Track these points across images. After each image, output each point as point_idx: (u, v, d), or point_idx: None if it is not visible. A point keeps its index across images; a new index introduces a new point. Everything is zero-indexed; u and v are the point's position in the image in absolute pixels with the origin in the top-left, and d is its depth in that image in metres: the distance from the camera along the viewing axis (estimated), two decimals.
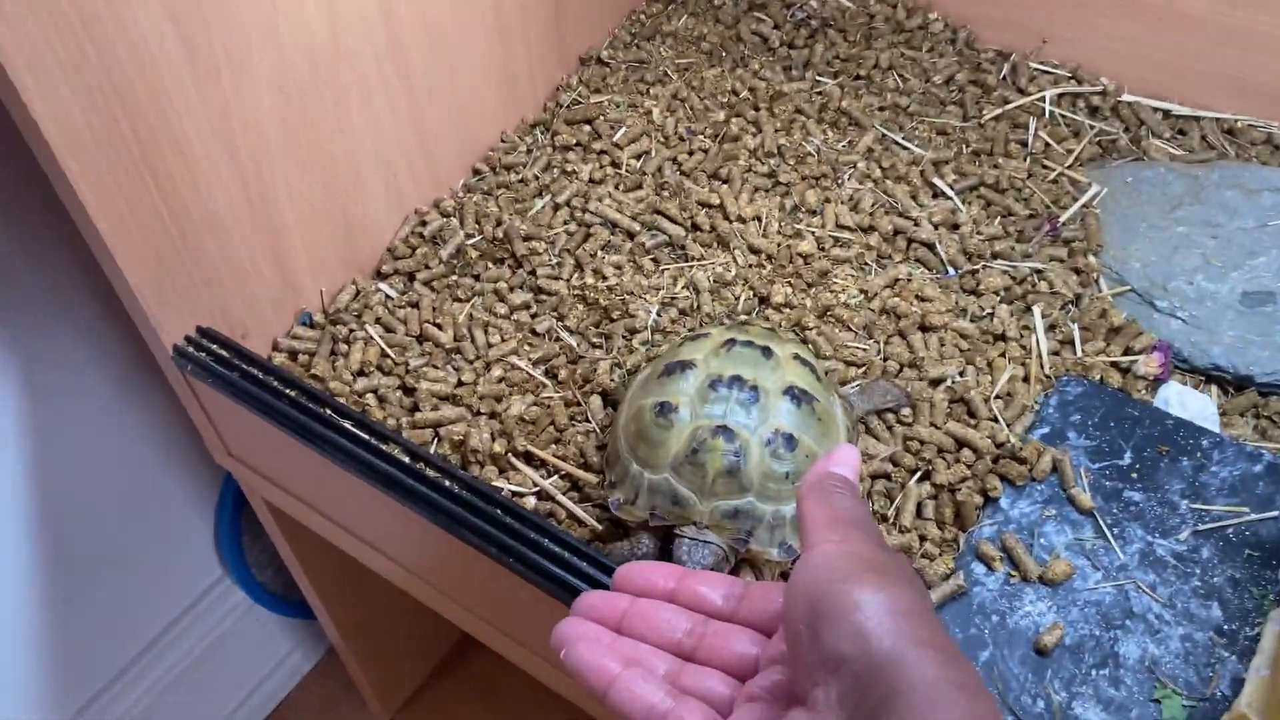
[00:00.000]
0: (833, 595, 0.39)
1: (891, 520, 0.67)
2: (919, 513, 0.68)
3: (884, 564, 0.41)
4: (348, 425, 0.68)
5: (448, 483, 0.64)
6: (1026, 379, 0.74)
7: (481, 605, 0.73)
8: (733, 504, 0.59)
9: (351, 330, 0.81)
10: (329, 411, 0.68)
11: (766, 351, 0.63)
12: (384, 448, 0.66)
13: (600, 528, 0.68)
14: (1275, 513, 0.65)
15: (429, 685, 1.29)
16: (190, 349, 0.73)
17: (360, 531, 0.78)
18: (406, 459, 0.66)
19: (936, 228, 0.83)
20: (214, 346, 0.73)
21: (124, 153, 0.65)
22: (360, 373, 0.78)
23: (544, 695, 1.25)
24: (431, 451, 0.72)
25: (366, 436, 0.67)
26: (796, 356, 0.65)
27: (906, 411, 0.72)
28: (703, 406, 0.61)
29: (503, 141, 0.95)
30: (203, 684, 1.17)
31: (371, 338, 0.80)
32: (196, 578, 1.13)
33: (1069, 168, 0.88)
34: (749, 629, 0.48)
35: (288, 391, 0.70)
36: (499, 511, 0.62)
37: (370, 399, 0.76)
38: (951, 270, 0.81)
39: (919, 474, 0.69)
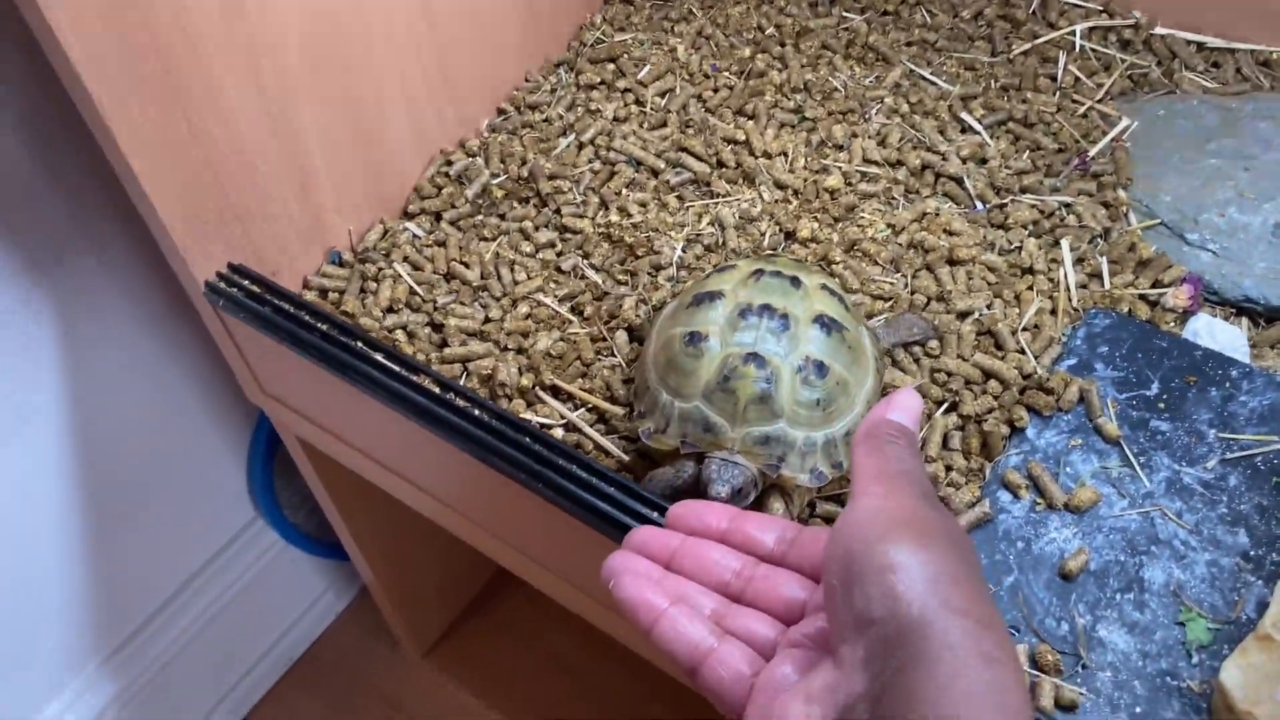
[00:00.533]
0: (867, 554, 0.39)
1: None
2: (945, 443, 0.68)
3: (926, 523, 0.40)
4: (379, 358, 0.68)
5: (477, 412, 0.65)
6: (1054, 312, 0.74)
7: (511, 534, 0.74)
8: (764, 430, 0.59)
9: (380, 269, 0.81)
10: (360, 344, 0.69)
11: (795, 281, 0.64)
12: (415, 379, 0.67)
13: (627, 459, 0.69)
14: None
15: (459, 624, 1.31)
16: (222, 285, 0.74)
17: (393, 465, 0.79)
18: (437, 389, 0.67)
19: (964, 162, 0.82)
20: (245, 282, 0.74)
21: (154, 86, 0.65)
22: (389, 309, 0.79)
23: (572, 635, 1.28)
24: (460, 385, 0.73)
25: (397, 368, 0.68)
26: (824, 287, 0.65)
27: (934, 344, 0.72)
28: (733, 335, 0.61)
29: (527, 81, 0.95)
30: (238, 623, 1.20)
31: (400, 275, 0.80)
32: (230, 519, 1.15)
33: (1099, 102, 0.87)
34: (798, 574, 0.48)
35: (319, 325, 0.71)
36: (528, 439, 0.63)
37: (400, 335, 0.77)
38: (979, 205, 0.80)
39: (946, 405, 0.69)
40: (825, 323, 0.62)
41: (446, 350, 0.75)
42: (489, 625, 1.30)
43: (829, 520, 0.65)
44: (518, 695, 1.25)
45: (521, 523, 0.71)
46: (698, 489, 0.61)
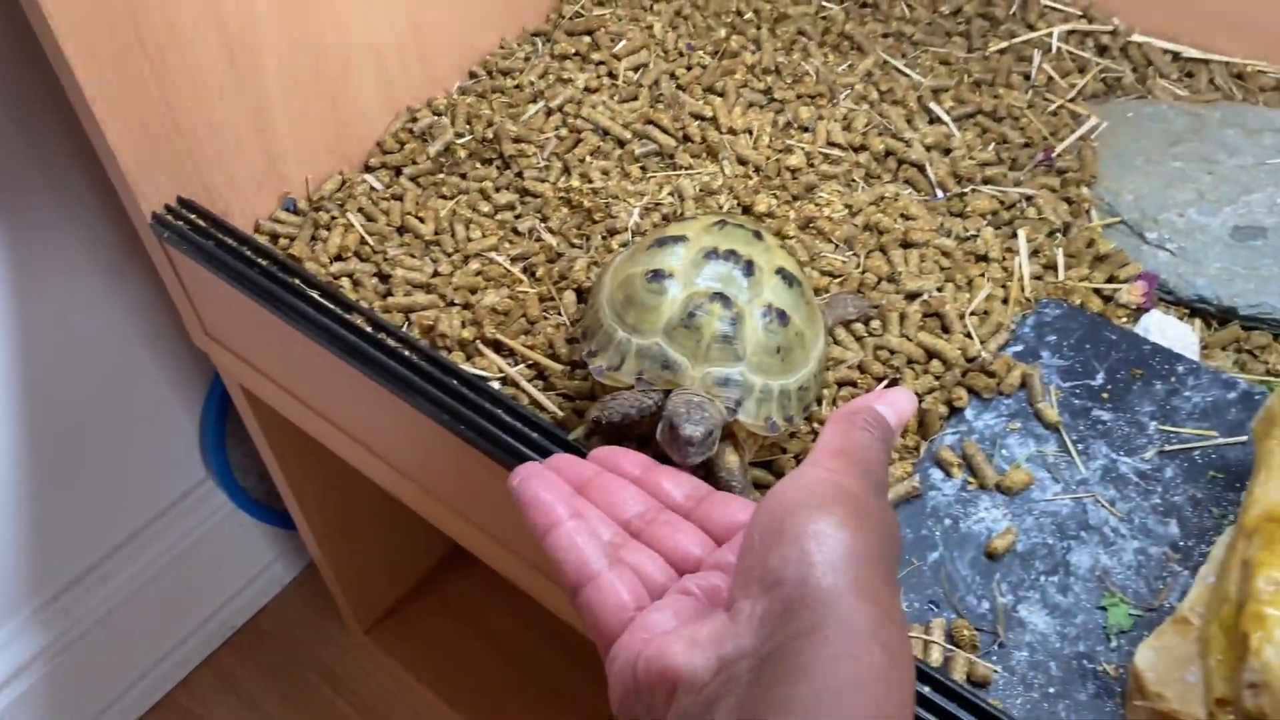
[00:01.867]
0: (796, 517, 0.38)
1: None
2: None
3: (864, 507, 0.39)
4: (314, 295, 0.68)
5: (407, 352, 0.64)
6: (1006, 300, 0.73)
7: (440, 488, 0.73)
8: (725, 372, 0.58)
9: (333, 217, 0.81)
10: (298, 281, 0.69)
11: (757, 234, 0.63)
12: (348, 317, 0.66)
13: (561, 414, 0.68)
14: (1244, 438, 0.64)
15: (405, 604, 1.30)
16: (169, 217, 0.74)
17: (327, 412, 0.78)
18: (369, 329, 0.66)
19: (928, 150, 0.82)
20: (192, 216, 0.74)
21: (107, 7, 0.65)
22: (338, 257, 0.78)
23: (519, 621, 1.26)
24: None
25: (332, 305, 0.67)
26: (782, 245, 0.64)
27: (877, 323, 0.71)
28: (696, 275, 0.60)
29: (501, 48, 0.94)
30: (179, 585, 1.18)
31: (352, 225, 0.80)
32: (179, 477, 1.13)
33: (1070, 101, 0.86)
34: (700, 531, 0.47)
35: (260, 260, 0.70)
36: (455, 381, 0.62)
37: (345, 282, 0.76)
38: (940, 193, 0.80)
39: (886, 382, 0.68)
40: (786, 275, 0.61)
41: (390, 299, 0.74)
42: (435, 606, 1.29)
43: (758, 486, 0.64)
44: (458, 678, 1.23)
45: (449, 475, 0.70)
46: (649, 428, 0.59)
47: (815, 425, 0.66)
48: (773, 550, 0.37)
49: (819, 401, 0.67)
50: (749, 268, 0.60)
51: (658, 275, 0.60)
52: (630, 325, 0.61)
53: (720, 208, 0.79)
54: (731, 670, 0.36)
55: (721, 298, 0.59)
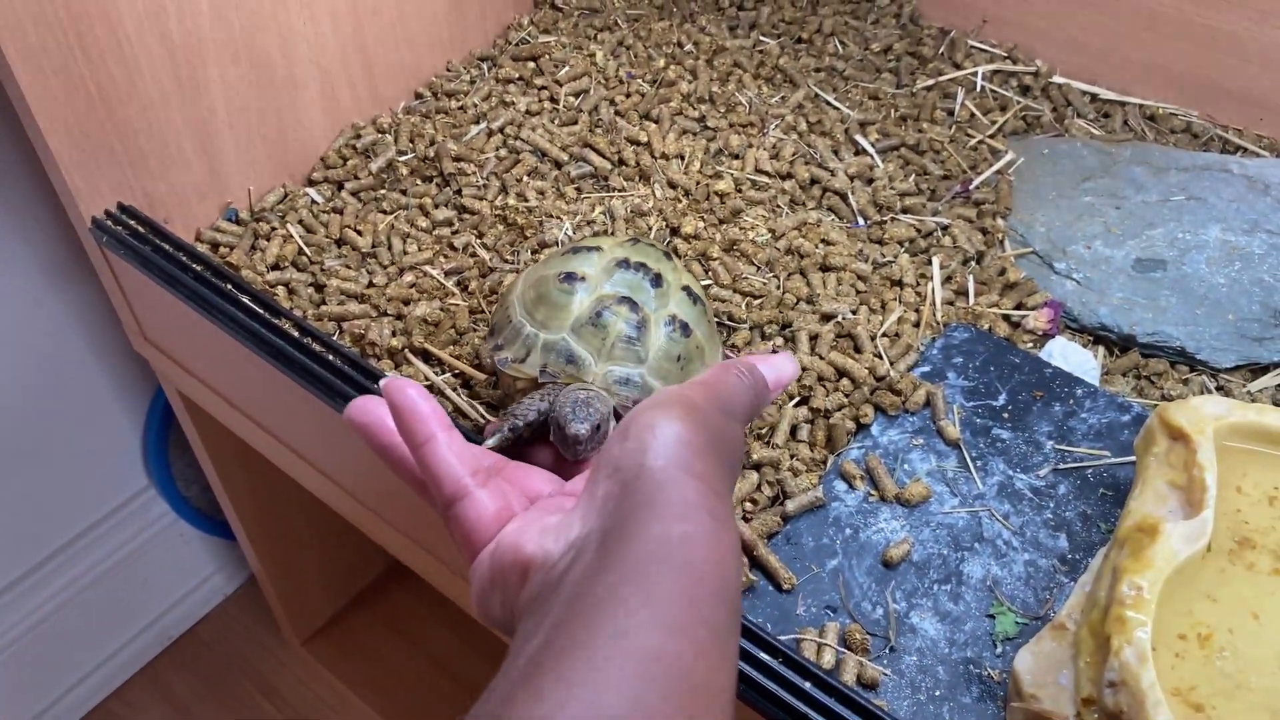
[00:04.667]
0: (639, 418, 0.42)
1: (765, 439, 0.69)
2: (793, 434, 0.69)
3: (707, 416, 0.43)
4: (245, 299, 0.69)
5: (331, 357, 0.66)
6: (917, 324, 0.76)
7: (371, 498, 0.75)
8: (626, 372, 0.61)
9: (273, 228, 0.83)
10: (230, 286, 0.70)
11: (667, 254, 0.66)
12: (276, 321, 0.68)
13: (483, 422, 0.70)
14: (1134, 457, 0.67)
15: (344, 616, 1.30)
16: (108, 223, 0.75)
17: (262, 419, 0.80)
18: (296, 334, 0.68)
19: (852, 180, 0.85)
20: (131, 222, 0.75)
21: (49, 16, 0.67)
22: (275, 266, 0.80)
23: (458, 637, 1.27)
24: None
25: (259, 309, 0.69)
26: (689, 269, 0.67)
27: (785, 339, 0.73)
28: (607, 280, 0.63)
29: (448, 70, 0.97)
30: (120, 591, 1.18)
31: (290, 235, 0.82)
32: (121, 483, 1.14)
33: (990, 136, 0.90)
34: (549, 473, 0.51)
35: (194, 266, 0.72)
36: (376, 385, 0.64)
37: (280, 290, 0.78)
38: (861, 220, 0.83)
39: (797, 400, 0.71)
40: (691, 293, 0.64)
41: (323, 308, 0.76)
42: (374, 619, 1.29)
43: None
44: (394, 692, 1.23)
45: (379, 484, 0.72)
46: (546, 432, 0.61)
47: None
48: (616, 444, 0.41)
49: None
50: (657, 280, 0.63)
51: (570, 277, 0.63)
52: (539, 322, 0.63)
53: (649, 229, 0.81)
54: (579, 547, 0.40)
55: (629, 302, 0.62)
